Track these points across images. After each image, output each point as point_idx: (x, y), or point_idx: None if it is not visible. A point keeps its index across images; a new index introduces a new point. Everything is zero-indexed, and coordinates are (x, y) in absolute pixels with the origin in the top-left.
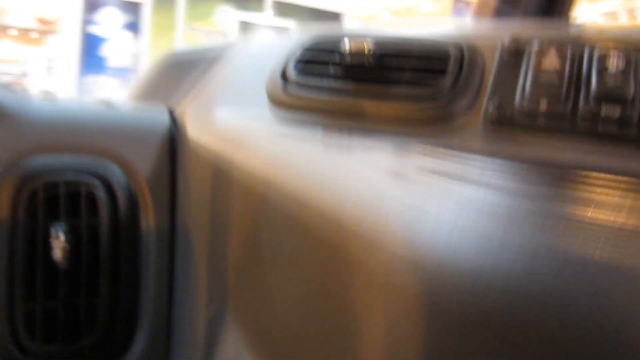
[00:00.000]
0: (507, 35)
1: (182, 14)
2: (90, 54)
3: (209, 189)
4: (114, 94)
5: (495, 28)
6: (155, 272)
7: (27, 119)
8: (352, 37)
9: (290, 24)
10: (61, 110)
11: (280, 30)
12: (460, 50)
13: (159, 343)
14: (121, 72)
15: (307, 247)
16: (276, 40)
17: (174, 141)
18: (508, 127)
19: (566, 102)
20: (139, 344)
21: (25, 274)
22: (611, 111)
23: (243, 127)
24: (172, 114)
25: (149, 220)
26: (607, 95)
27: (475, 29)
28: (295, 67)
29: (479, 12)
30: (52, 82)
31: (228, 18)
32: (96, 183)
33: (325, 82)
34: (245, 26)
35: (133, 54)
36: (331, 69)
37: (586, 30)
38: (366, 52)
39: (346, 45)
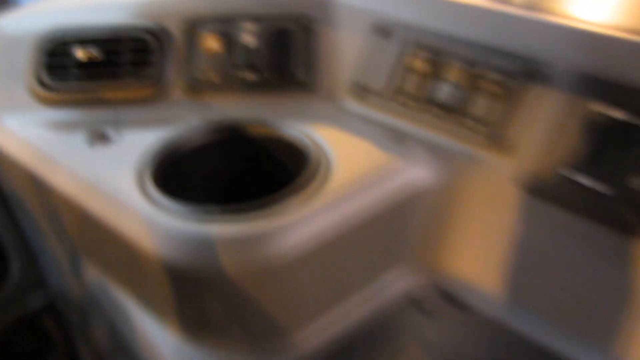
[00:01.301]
0: (186, 15)
1: None
2: None
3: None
4: None
5: (179, 4)
6: (6, 227)
7: None
8: (80, 38)
9: None
10: None
11: None
12: (159, 41)
13: (31, 271)
14: None
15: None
16: (19, 29)
17: None
18: (199, 94)
19: (226, 73)
20: (14, 275)
21: None
22: (249, 76)
23: (18, 133)
24: None
25: None
26: (248, 66)
27: (163, 7)
28: (47, 73)
29: None
30: None
31: None
32: None
33: (74, 84)
34: None
35: None
36: (73, 71)
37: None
38: (93, 57)
39: (77, 53)
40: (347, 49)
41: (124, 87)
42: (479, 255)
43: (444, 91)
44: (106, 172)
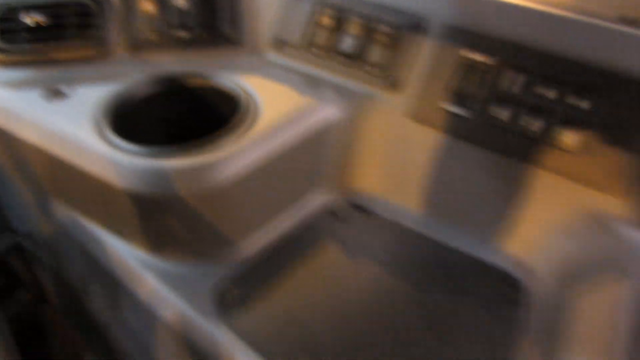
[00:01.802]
0: None
1: None
2: None
3: None
4: None
5: None
6: None
7: None
8: (26, 4)
9: None
10: None
11: None
12: (99, 5)
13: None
14: None
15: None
16: None
17: None
18: (139, 52)
19: (162, 32)
20: None
21: None
22: (183, 34)
23: None
24: None
25: None
26: (180, 25)
27: None
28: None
29: None
30: None
31: None
32: None
33: (26, 47)
34: None
35: None
36: (23, 35)
37: None
38: (40, 21)
39: (25, 18)
40: (267, 8)
41: (71, 48)
42: (381, 173)
43: (347, 42)
44: (66, 122)
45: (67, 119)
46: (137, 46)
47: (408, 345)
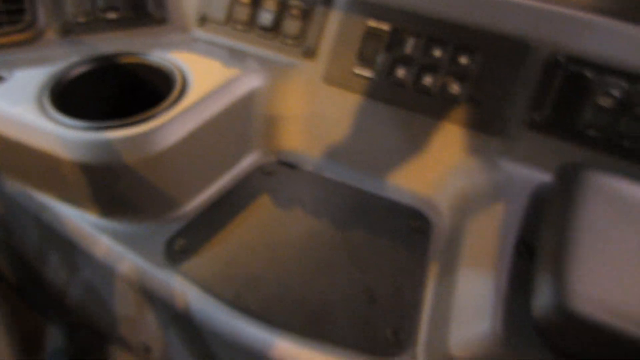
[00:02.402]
0: None
1: None
2: None
3: None
4: None
5: None
6: None
7: None
8: None
9: None
10: None
11: None
12: None
13: None
14: None
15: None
16: None
17: None
18: (70, 34)
19: (90, 14)
20: None
21: None
22: (111, 15)
23: None
24: None
25: None
26: (108, 7)
27: None
28: None
29: None
30: None
31: None
32: None
33: None
34: None
35: None
36: None
37: None
38: None
39: None
40: None
41: (3, 34)
42: (304, 133)
43: (264, 17)
44: (10, 103)
45: (9, 101)
46: (67, 29)
47: (334, 276)
